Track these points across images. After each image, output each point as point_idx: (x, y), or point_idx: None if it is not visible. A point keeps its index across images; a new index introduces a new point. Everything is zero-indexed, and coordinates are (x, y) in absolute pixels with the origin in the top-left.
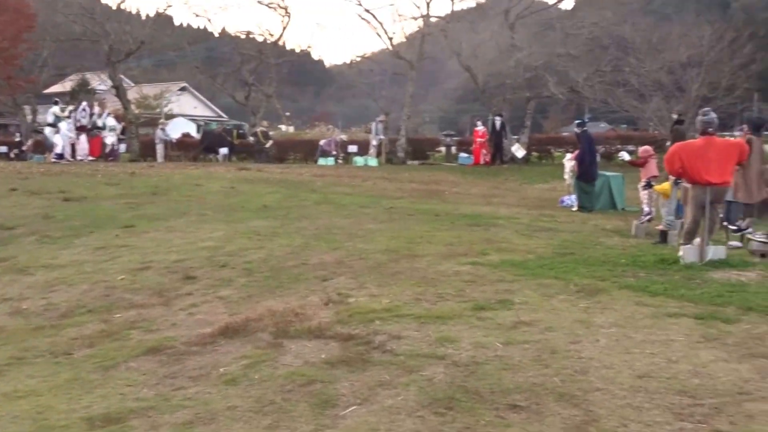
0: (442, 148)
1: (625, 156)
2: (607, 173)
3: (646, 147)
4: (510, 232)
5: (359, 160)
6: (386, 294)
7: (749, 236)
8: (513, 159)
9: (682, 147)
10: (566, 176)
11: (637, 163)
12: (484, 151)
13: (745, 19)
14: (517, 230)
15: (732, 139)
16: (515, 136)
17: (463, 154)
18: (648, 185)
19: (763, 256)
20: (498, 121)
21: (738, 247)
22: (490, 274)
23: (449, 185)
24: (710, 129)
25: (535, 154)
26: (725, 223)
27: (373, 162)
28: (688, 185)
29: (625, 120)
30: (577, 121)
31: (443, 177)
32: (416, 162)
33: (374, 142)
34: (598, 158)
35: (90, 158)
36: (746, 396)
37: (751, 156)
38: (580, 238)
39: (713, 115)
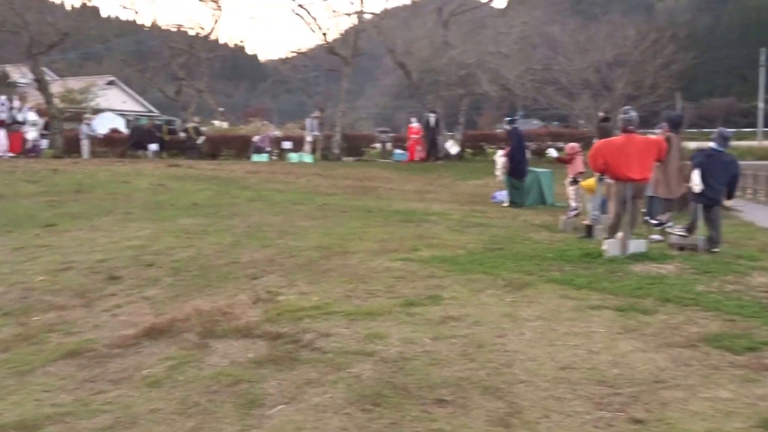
0: (378, 145)
1: (552, 153)
2: (537, 169)
3: (573, 144)
4: (442, 227)
5: (294, 157)
6: (316, 291)
7: (669, 230)
8: (447, 155)
9: (605, 144)
10: (498, 172)
11: (565, 160)
12: (418, 147)
13: (668, 20)
14: (448, 226)
15: (651, 136)
16: (449, 133)
17: (398, 151)
18: (574, 181)
19: (681, 249)
20: (432, 117)
21: (658, 241)
22: (420, 270)
23: (384, 181)
24: (631, 127)
25: (468, 150)
26: (647, 218)
27: (307, 158)
28: (611, 181)
29: (557, 117)
30: (507, 119)
31: (378, 173)
32: (351, 158)
33: (309, 139)
34: (529, 155)
35: (9, 154)
36: (662, 384)
37: (670, 153)
38: (509, 234)
39: (633, 113)
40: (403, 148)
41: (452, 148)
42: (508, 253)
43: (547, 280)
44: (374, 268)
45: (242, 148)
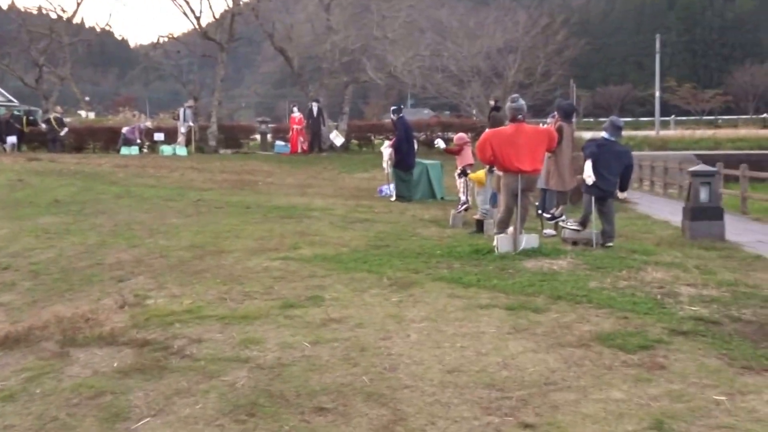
0: (257, 136)
1: (440, 144)
2: (426, 161)
3: (461, 134)
4: (324, 224)
5: (166, 149)
6: (188, 294)
7: (562, 224)
8: (332, 147)
9: (493, 134)
10: (384, 165)
11: (453, 151)
12: (301, 138)
13: (560, 5)
14: (331, 222)
15: (542, 126)
16: (334, 123)
17: (279, 142)
18: (463, 173)
19: (574, 243)
20: (315, 107)
21: (552, 236)
22: (301, 270)
23: (263, 175)
24: (519, 116)
25: (354, 141)
26: (539, 212)
27: (181, 151)
28: (500, 173)
29: (448, 106)
30: (393, 107)
31: (257, 166)
32: (229, 151)
33: (183, 130)
34: (417, 146)
35: None
36: (552, 386)
37: (561, 143)
38: (396, 230)
39: (522, 102)
40: (285, 140)
41: (337, 139)
42: (394, 251)
43: (435, 278)
44: (251, 268)
45: (110, 140)
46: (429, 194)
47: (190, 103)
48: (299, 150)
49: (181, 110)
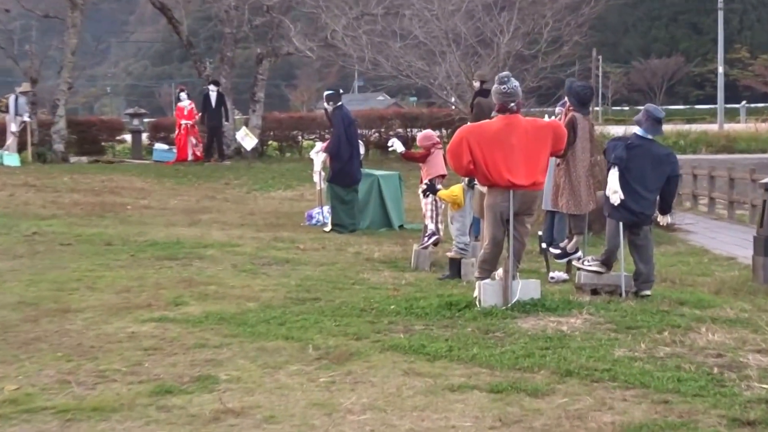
0: (128, 137)
1: (396, 146)
2: (377, 172)
3: (427, 132)
4: (224, 267)
5: None
6: (12, 375)
7: (577, 264)
8: (239, 152)
9: (472, 131)
10: (316, 178)
11: (416, 157)
12: (192, 139)
13: None
14: (235, 265)
15: (545, 119)
16: (242, 116)
17: (160, 146)
18: (430, 190)
19: (594, 292)
20: (214, 92)
21: (562, 281)
22: (184, 337)
23: (135, 195)
24: (511, 104)
25: (273, 144)
26: (544, 246)
27: (11, 159)
28: (483, 189)
29: (415, 90)
30: (327, 93)
31: (127, 182)
32: (85, 159)
33: (14, 128)
34: (364, 149)
35: None
36: None
37: (575, 144)
38: (331, 275)
39: (514, 83)
40: (169, 142)
41: (246, 140)
42: (327, 307)
43: (385, 347)
44: (110, 336)
45: None
46: (382, 221)
47: (25, 87)
48: (190, 157)
49: (11, 98)
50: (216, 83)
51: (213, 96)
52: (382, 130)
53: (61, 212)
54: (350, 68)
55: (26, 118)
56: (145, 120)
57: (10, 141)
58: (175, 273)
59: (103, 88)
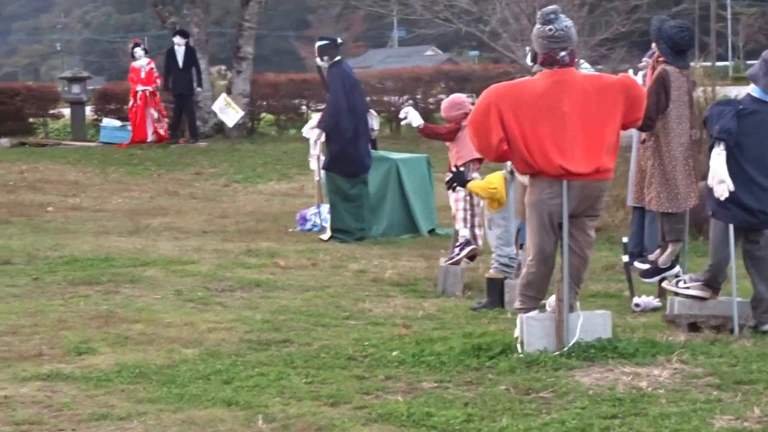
0: (66, 111)
1: (411, 117)
2: (396, 155)
3: (456, 97)
4: (163, 296)
5: None
6: None
7: (669, 286)
8: (222, 129)
9: (504, 94)
10: (313, 163)
11: (439, 133)
12: (153, 112)
13: None
14: (180, 291)
15: (613, 75)
16: (222, 80)
17: (110, 122)
18: (458, 179)
19: (694, 327)
20: (181, 47)
21: (651, 309)
22: (80, 403)
23: (64, 192)
24: (562, 53)
25: (267, 117)
26: (626, 258)
27: None
28: (524, 179)
29: (477, 43)
30: (319, 44)
31: (56, 174)
32: (6, 141)
33: None
34: (377, 124)
35: None
36: None
37: (669, 112)
38: (318, 304)
39: (565, 21)
40: (123, 117)
41: (227, 112)
42: (299, 354)
43: (372, 417)
44: None
45: None
46: (404, 224)
47: None
48: (150, 137)
49: None
50: (183, 34)
51: (180, 52)
52: (418, 96)
53: None
54: (380, 11)
55: None
56: (90, 87)
57: None
58: (91, 305)
59: (51, 44)
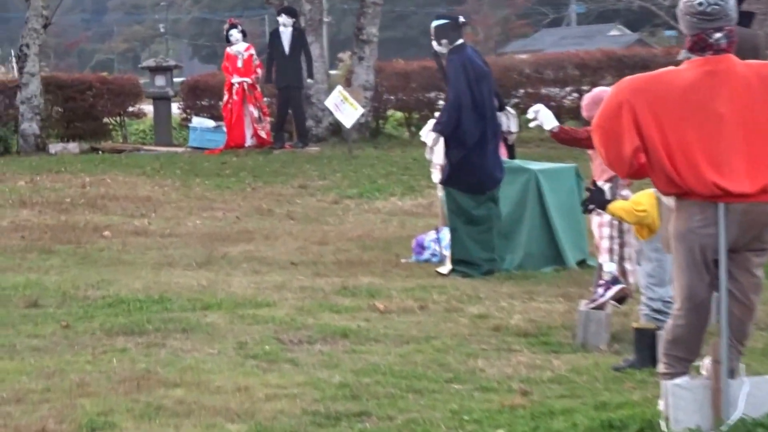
0: (148, 108)
1: (543, 119)
2: (536, 165)
3: (600, 92)
4: (221, 349)
5: None
6: None
7: None
8: (337, 130)
9: (640, 88)
10: (435, 175)
11: (579, 139)
12: (253, 110)
13: None
14: (244, 344)
15: None
16: (338, 70)
17: (202, 121)
18: (595, 200)
19: None
20: (287, 29)
21: None
22: None
23: (130, 211)
24: (717, 35)
25: (395, 114)
26: None
27: None
28: (668, 200)
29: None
30: (436, 23)
31: (126, 188)
32: (75, 146)
33: None
34: (514, 124)
35: None
36: None
37: None
38: (416, 362)
39: None
40: (217, 116)
41: (344, 109)
42: (377, 429)
43: None
44: None
45: None
46: (546, 254)
47: None
48: (248, 141)
49: None
50: (290, 12)
51: (286, 35)
52: (584, 87)
53: None
54: None
55: None
56: (177, 79)
57: None
58: (125, 362)
59: (153, 26)
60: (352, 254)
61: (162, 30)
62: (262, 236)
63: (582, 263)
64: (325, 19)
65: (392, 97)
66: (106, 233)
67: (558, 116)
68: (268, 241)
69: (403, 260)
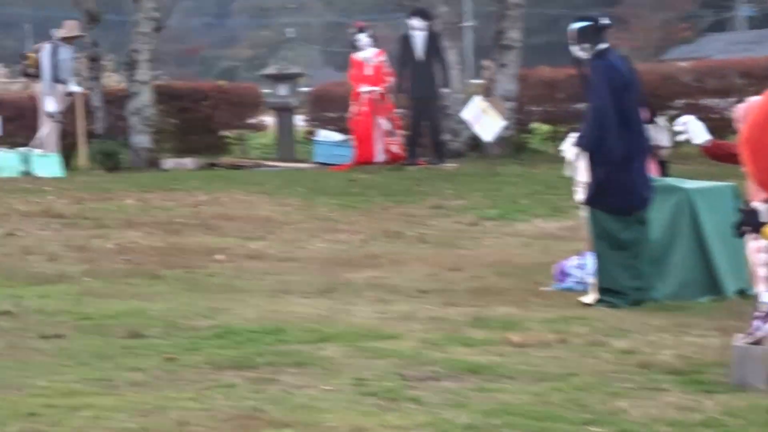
0: (268, 119)
1: (692, 131)
2: (689, 183)
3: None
4: (337, 386)
5: (2, 161)
6: None
7: None
8: (476, 144)
9: None
10: (577, 193)
11: (731, 153)
12: (384, 122)
13: None
14: (362, 380)
15: None
16: (478, 79)
17: (328, 135)
18: (749, 221)
19: None
20: (420, 33)
21: None
22: None
23: (247, 232)
24: None
25: (540, 128)
26: None
27: (49, 165)
28: None
29: None
30: (576, 26)
31: (243, 207)
32: (189, 162)
33: (51, 107)
34: (667, 138)
35: None
36: None
37: None
38: (553, 402)
39: None
40: (345, 129)
41: (483, 121)
42: None
43: None
44: None
45: None
46: (702, 282)
47: (71, 29)
48: (379, 156)
49: (45, 51)
50: (424, 15)
51: (419, 39)
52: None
53: (79, 269)
54: None
55: (74, 88)
56: (301, 89)
57: (45, 131)
58: (232, 399)
59: (282, 30)
60: (488, 281)
61: (291, 35)
62: (390, 261)
63: (742, 293)
64: (469, 23)
65: (537, 109)
66: (219, 257)
67: (718, 129)
68: (396, 266)
69: (543, 288)
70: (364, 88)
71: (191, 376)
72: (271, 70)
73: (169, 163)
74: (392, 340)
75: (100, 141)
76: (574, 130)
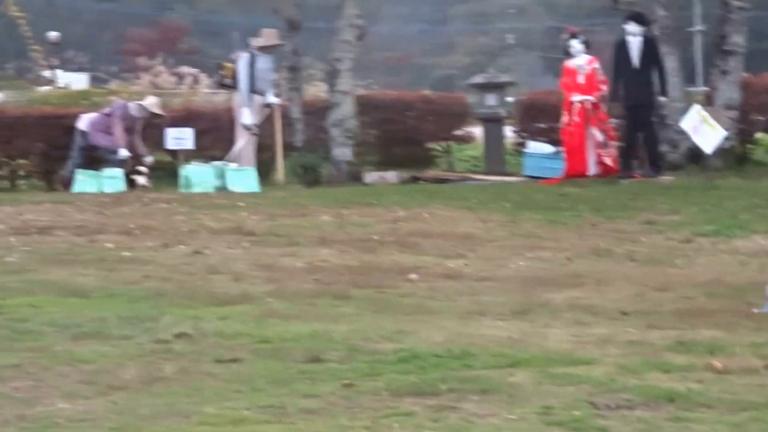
0: (475, 130)
1: None
2: None
3: None
4: (523, 415)
5: (200, 177)
6: None
7: None
8: (696, 156)
9: None
10: None
11: None
12: (597, 133)
13: None
14: (550, 408)
15: None
16: (699, 89)
17: (539, 146)
18: None
19: None
20: (636, 38)
21: None
22: None
23: (445, 250)
24: None
25: (766, 138)
26: None
27: (247, 180)
28: None
29: None
30: None
31: (443, 223)
32: (393, 176)
33: (247, 119)
34: None
35: None
36: None
37: None
38: None
39: None
40: (556, 141)
41: (703, 131)
42: None
43: None
44: None
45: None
46: None
47: (269, 38)
48: (592, 169)
49: (243, 61)
50: (640, 19)
51: (635, 45)
52: None
53: (264, 289)
54: None
55: (272, 100)
56: (509, 98)
57: (241, 144)
58: (410, 428)
59: (501, 38)
60: (696, 302)
61: (511, 41)
62: (594, 280)
63: None
64: (698, 28)
65: (762, 118)
66: (412, 276)
67: None
68: (600, 286)
69: (755, 310)
70: (576, 96)
71: (368, 403)
72: (479, 79)
73: (371, 176)
74: (586, 365)
75: (299, 154)
76: None
